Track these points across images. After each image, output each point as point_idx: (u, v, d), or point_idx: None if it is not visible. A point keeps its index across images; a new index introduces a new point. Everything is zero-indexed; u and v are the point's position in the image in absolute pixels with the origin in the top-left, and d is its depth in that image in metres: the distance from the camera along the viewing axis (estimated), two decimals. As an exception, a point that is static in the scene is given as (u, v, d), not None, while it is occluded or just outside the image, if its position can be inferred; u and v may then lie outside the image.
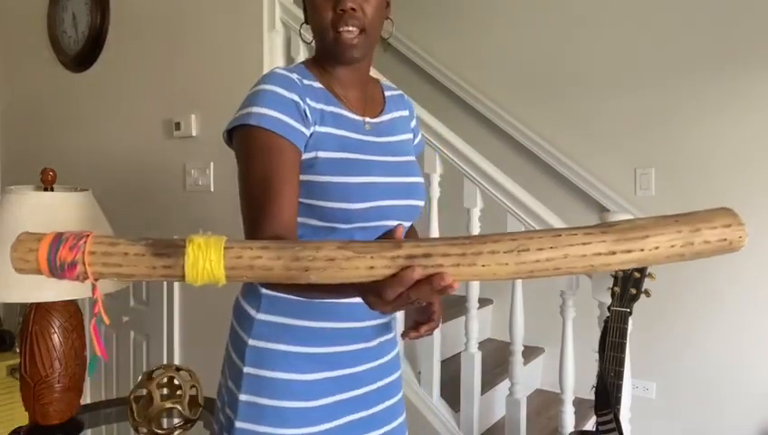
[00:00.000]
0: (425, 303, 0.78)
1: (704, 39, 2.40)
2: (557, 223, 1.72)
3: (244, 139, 0.90)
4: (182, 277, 0.58)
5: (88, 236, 0.57)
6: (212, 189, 2.26)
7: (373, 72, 1.14)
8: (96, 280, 0.57)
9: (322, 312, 0.96)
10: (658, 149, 2.50)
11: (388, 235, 0.65)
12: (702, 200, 2.41)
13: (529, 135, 2.77)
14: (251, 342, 0.95)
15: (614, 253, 0.59)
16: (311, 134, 0.94)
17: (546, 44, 2.76)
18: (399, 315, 1.32)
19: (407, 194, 1.01)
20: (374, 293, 0.62)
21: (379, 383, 1.03)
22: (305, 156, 0.93)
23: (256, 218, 0.85)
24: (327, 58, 1.00)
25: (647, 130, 2.53)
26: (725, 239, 0.60)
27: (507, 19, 2.88)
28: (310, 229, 0.95)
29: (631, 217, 0.65)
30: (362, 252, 0.59)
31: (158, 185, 2.44)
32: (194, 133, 2.32)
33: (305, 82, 0.97)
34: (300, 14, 2.05)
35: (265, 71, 2.11)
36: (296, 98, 0.93)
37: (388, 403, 1.04)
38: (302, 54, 2.11)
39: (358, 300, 0.76)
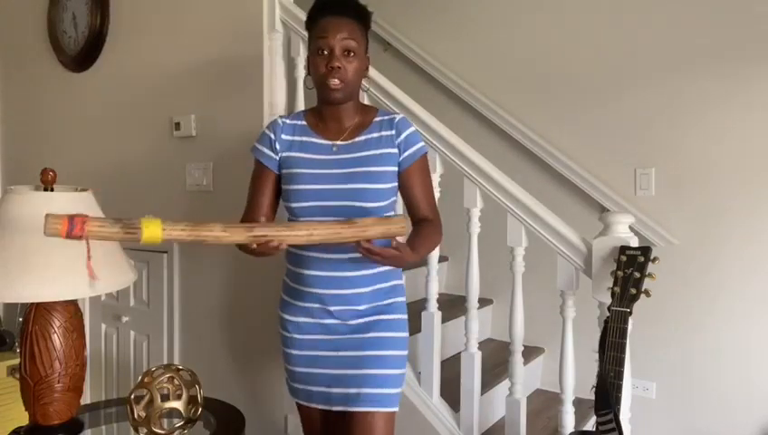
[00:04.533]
0: (273, 250, 1.23)
1: (704, 37, 2.39)
2: (556, 223, 1.72)
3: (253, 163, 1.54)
4: (138, 240, 1.09)
5: (86, 220, 1.06)
6: (212, 189, 2.27)
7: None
8: (89, 239, 1.09)
9: (297, 281, 1.49)
10: (658, 149, 2.50)
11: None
12: (702, 200, 2.41)
13: (529, 135, 2.77)
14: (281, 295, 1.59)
15: (354, 236, 1.22)
16: (279, 157, 1.48)
17: (546, 44, 2.76)
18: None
19: (349, 197, 1.40)
20: (245, 248, 1.31)
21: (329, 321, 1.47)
22: (282, 171, 1.48)
23: (245, 211, 1.52)
24: (321, 99, 1.46)
25: (647, 130, 2.53)
26: (399, 230, 1.25)
27: (507, 19, 2.88)
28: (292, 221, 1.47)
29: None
30: (231, 234, 1.17)
31: (159, 185, 2.44)
32: (194, 133, 2.32)
33: (290, 122, 1.50)
34: (300, 15, 2.07)
35: (265, 71, 2.12)
36: (272, 135, 1.49)
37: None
38: (301, 54, 2.11)
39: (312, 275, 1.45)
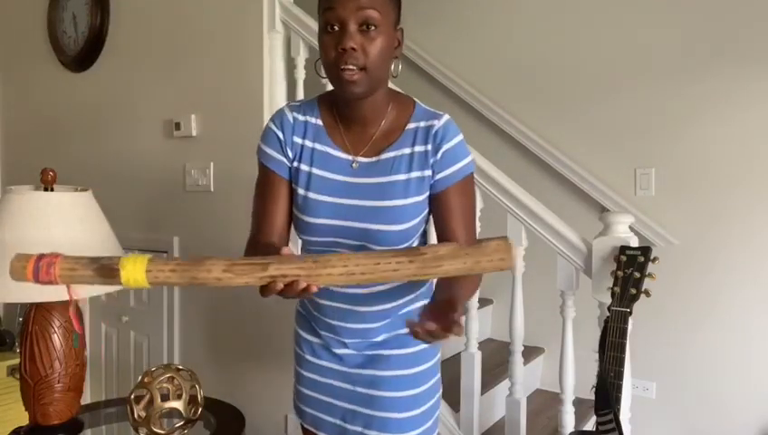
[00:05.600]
0: (299, 293, 0.86)
1: (704, 37, 2.39)
2: (556, 223, 1.72)
3: (258, 167, 1.19)
4: (119, 284, 0.84)
5: (54, 262, 0.83)
6: (212, 189, 2.27)
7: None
8: (62, 283, 0.84)
9: (311, 303, 1.25)
10: (658, 149, 2.50)
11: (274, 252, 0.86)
12: (702, 200, 2.41)
13: (529, 135, 2.77)
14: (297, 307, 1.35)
15: (416, 275, 0.84)
16: (290, 167, 1.15)
17: (546, 44, 2.76)
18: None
19: (363, 237, 1.10)
20: (261, 290, 0.86)
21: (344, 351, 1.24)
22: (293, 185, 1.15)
23: (252, 230, 1.16)
24: (337, 93, 1.10)
25: (647, 130, 2.53)
26: (498, 264, 0.85)
27: (507, 18, 2.88)
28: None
29: (448, 246, 0.85)
30: (239, 273, 0.83)
31: (159, 185, 2.44)
32: (194, 133, 2.32)
33: (302, 118, 1.14)
34: (300, 15, 2.07)
35: (265, 71, 2.12)
36: (280, 135, 1.14)
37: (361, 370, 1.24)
38: (302, 55, 2.11)
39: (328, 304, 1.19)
